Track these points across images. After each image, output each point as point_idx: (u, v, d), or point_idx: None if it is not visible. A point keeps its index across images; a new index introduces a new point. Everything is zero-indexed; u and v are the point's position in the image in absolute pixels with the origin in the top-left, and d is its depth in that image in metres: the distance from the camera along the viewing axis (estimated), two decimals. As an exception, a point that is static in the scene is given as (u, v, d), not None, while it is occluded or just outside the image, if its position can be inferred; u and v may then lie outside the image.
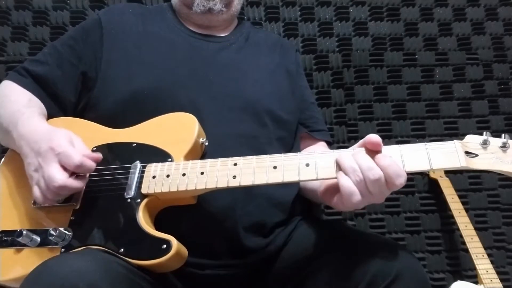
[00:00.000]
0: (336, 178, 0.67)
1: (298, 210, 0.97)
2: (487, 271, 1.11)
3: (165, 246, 0.67)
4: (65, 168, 0.71)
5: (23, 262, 0.74)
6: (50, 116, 0.90)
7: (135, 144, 0.81)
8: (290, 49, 1.15)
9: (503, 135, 0.67)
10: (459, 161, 0.66)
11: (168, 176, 0.73)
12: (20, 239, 0.71)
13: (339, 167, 0.67)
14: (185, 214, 0.79)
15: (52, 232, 0.70)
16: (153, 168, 0.75)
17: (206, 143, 0.82)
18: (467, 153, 0.67)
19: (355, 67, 1.40)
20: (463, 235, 1.18)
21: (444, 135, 1.39)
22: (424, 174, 1.35)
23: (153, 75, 0.91)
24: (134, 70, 0.91)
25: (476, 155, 0.67)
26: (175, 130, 0.81)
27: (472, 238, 1.17)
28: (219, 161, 0.73)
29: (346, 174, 0.65)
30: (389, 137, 1.36)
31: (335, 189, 0.70)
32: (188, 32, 1.02)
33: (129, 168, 0.77)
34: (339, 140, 1.35)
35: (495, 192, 1.37)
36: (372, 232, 1.15)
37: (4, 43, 1.30)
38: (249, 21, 1.35)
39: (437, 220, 1.33)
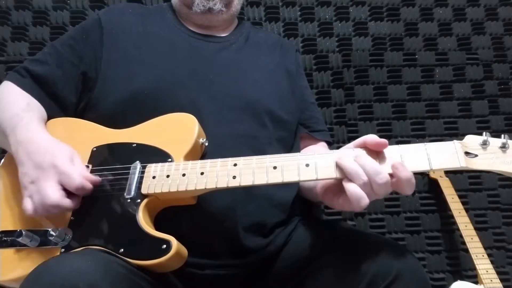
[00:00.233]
0: (335, 178, 0.67)
1: (298, 210, 0.97)
2: (487, 271, 1.11)
3: (165, 246, 0.67)
4: (63, 187, 0.71)
5: (23, 262, 0.74)
6: (50, 116, 0.90)
7: (135, 145, 0.81)
8: (290, 49, 1.15)
9: (502, 135, 0.67)
10: (459, 162, 0.66)
11: (168, 176, 0.73)
12: (20, 240, 0.71)
13: (340, 170, 0.67)
14: (185, 214, 0.79)
15: (52, 232, 0.70)
16: (153, 169, 0.75)
17: (206, 144, 0.82)
18: (466, 153, 0.67)
19: (355, 67, 1.40)
20: (463, 235, 1.18)
21: (444, 135, 1.39)
22: (424, 174, 1.35)
23: (153, 75, 0.91)
24: (134, 70, 0.91)
25: (476, 156, 0.67)
26: (175, 130, 0.81)
27: (472, 238, 1.17)
28: (219, 161, 0.73)
29: (350, 178, 0.65)
30: (389, 137, 1.36)
31: (335, 190, 0.70)
32: (188, 32, 1.02)
33: (129, 168, 0.77)
34: (339, 140, 1.35)
35: (495, 192, 1.37)
36: (372, 232, 1.15)
37: (4, 43, 1.30)
38: (249, 21, 1.35)
39: (437, 220, 1.33)
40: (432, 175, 1.32)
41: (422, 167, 0.67)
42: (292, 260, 0.85)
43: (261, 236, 0.87)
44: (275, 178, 0.69)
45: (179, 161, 0.76)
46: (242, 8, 1.31)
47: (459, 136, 1.36)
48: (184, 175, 0.72)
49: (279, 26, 1.41)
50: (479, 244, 1.16)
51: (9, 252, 0.75)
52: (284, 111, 0.99)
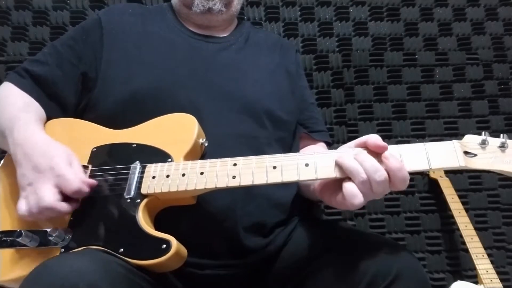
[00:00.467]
0: (335, 177, 0.67)
1: (298, 210, 0.97)
2: (487, 271, 1.11)
3: (164, 246, 0.67)
4: (59, 190, 0.71)
5: (22, 262, 0.74)
6: (50, 117, 0.90)
7: (135, 145, 0.81)
8: (290, 49, 1.15)
9: (501, 135, 0.67)
10: (458, 161, 0.66)
11: (168, 176, 0.73)
12: (19, 240, 0.71)
13: (339, 168, 0.67)
14: (185, 214, 0.79)
15: (51, 232, 0.71)
16: (152, 169, 0.75)
17: (206, 144, 0.82)
18: (466, 153, 0.67)
19: (355, 67, 1.40)
20: (463, 235, 1.18)
21: (444, 135, 1.39)
22: (424, 174, 1.35)
23: (153, 75, 0.91)
24: (134, 70, 0.91)
25: (475, 155, 0.67)
26: (174, 130, 0.81)
27: (472, 238, 1.17)
28: (218, 161, 0.73)
29: (349, 176, 0.65)
30: (389, 137, 1.36)
31: (333, 187, 0.70)
32: (188, 32, 1.02)
33: (129, 168, 0.77)
34: (339, 140, 1.35)
35: (495, 192, 1.37)
36: (372, 232, 1.15)
37: (4, 43, 1.30)
38: (249, 21, 1.35)
39: (437, 220, 1.33)
40: (432, 175, 1.32)
41: (422, 166, 0.67)
42: (292, 260, 0.86)
43: (261, 236, 0.87)
44: (275, 178, 0.69)
45: (179, 161, 0.76)
46: (242, 8, 1.31)
47: (459, 136, 1.35)
48: (184, 175, 0.73)
49: (279, 26, 1.41)
50: (479, 244, 1.16)
51: (9, 252, 0.75)
52: (284, 111, 0.99)
